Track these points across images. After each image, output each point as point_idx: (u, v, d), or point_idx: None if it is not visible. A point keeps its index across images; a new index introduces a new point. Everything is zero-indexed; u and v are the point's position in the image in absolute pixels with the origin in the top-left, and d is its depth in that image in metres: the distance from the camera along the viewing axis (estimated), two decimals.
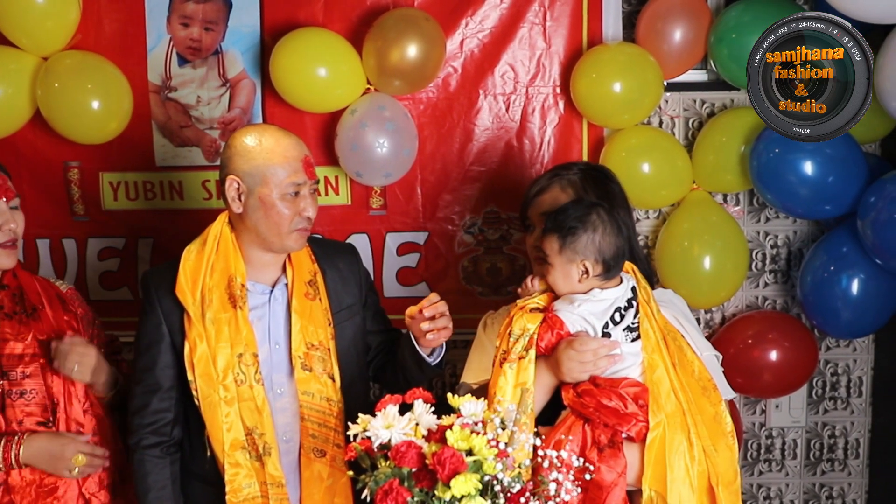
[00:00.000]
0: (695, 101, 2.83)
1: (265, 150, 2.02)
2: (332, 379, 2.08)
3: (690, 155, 2.77)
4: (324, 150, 2.76)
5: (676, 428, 1.77)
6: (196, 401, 2.02)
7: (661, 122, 2.84)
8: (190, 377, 2.01)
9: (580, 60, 2.68)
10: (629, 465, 1.76)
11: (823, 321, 2.66)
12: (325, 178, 2.80)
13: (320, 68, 2.59)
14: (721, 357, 2.14)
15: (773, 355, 2.72)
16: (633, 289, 1.89)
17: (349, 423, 1.67)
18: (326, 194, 2.81)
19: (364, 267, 2.29)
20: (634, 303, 1.87)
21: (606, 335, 1.84)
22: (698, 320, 2.89)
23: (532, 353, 1.83)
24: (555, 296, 1.91)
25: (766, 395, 2.87)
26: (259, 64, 2.76)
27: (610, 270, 1.86)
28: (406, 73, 2.61)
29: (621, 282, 1.89)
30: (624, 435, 1.78)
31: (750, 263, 2.86)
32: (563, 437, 1.78)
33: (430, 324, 2.01)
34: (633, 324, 1.85)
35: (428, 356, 2.10)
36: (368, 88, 2.68)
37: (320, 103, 2.68)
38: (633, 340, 1.85)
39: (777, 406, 2.93)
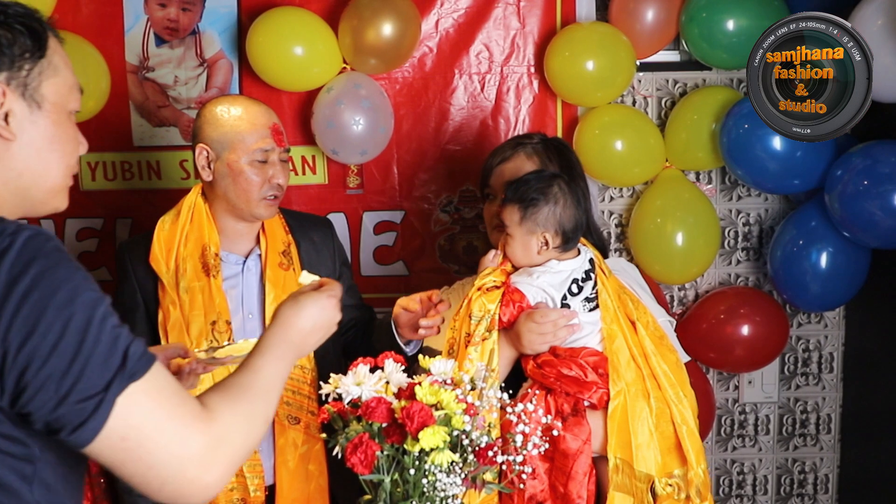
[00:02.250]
0: (667, 81, 2.86)
1: (233, 117, 2.05)
2: None
3: (663, 134, 2.80)
4: (301, 130, 2.78)
5: (638, 395, 1.80)
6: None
7: (634, 102, 2.87)
8: (163, 344, 2.02)
9: (554, 39, 2.70)
10: (593, 433, 1.78)
11: (793, 295, 2.69)
12: (303, 157, 2.82)
13: (297, 47, 2.61)
14: (675, 322, 2.18)
15: (745, 330, 2.75)
16: (591, 260, 1.91)
17: (321, 383, 1.68)
18: (303, 173, 2.83)
19: (339, 241, 2.32)
20: (592, 274, 1.89)
21: (566, 306, 1.85)
22: (671, 297, 2.92)
23: (495, 333, 1.84)
24: (509, 273, 1.93)
25: (738, 370, 2.91)
26: (236, 44, 2.77)
27: (569, 242, 1.88)
28: (382, 52, 2.63)
29: (578, 253, 1.90)
30: (586, 403, 1.80)
31: (722, 241, 2.89)
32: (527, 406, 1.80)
33: (425, 330, 1.96)
34: (591, 295, 1.88)
35: (405, 345, 2.09)
36: (345, 67, 2.70)
37: (297, 82, 2.70)
38: (591, 311, 1.87)
39: (750, 382, 2.96)
